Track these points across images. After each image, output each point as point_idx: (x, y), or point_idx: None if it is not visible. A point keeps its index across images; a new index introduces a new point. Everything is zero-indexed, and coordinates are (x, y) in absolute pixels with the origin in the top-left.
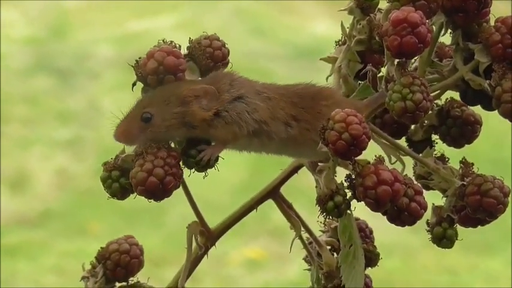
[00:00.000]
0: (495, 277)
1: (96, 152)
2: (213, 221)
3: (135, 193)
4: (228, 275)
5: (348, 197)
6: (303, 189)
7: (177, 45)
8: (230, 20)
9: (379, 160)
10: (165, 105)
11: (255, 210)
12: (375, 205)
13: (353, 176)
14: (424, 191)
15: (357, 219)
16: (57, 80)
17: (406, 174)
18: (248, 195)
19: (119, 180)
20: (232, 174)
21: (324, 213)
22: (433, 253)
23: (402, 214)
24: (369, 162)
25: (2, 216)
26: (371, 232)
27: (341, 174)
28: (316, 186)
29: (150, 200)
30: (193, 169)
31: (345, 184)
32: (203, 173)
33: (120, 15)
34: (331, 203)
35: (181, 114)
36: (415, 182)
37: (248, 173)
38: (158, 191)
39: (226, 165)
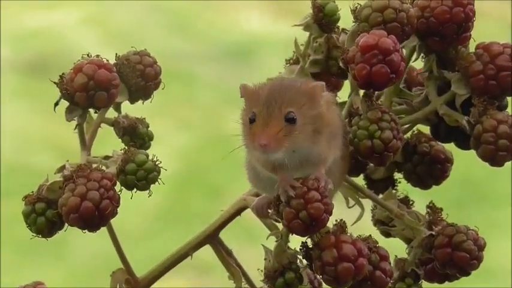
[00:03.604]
0: None
1: None
2: (129, 251)
3: (66, 226)
4: None
5: (300, 271)
6: (237, 219)
7: (105, 59)
8: (145, 15)
9: (341, 227)
10: (300, 104)
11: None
12: (334, 283)
13: (310, 245)
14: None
15: None
16: None
17: (371, 235)
18: (167, 221)
19: (44, 214)
20: (150, 200)
21: None
22: None
23: (364, 284)
24: (328, 231)
25: None
26: (320, 284)
27: None
28: (265, 259)
29: (84, 231)
30: (134, 189)
31: (300, 252)
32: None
33: (11, 7)
34: (281, 280)
35: (315, 118)
36: (379, 245)
37: (168, 197)
38: (94, 218)
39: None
